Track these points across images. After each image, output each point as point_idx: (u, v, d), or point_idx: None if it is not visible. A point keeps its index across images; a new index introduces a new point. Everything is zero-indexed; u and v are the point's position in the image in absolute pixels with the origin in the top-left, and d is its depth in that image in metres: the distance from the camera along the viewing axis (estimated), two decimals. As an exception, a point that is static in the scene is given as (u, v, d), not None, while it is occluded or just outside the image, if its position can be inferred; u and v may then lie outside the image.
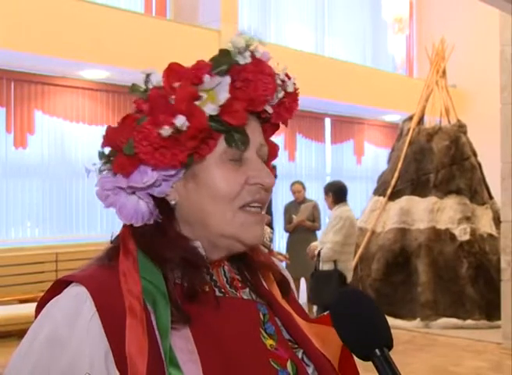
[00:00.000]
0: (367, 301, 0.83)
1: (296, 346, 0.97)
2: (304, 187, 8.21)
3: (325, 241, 5.91)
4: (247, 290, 0.98)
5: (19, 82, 7.87)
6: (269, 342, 0.94)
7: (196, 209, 0.93)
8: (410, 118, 8.73)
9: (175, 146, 0.87)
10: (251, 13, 10.95)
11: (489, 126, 10.55)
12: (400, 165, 8.33)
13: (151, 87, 0.91)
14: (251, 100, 0.91)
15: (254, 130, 0.95)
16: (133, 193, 0.92)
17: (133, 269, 0.90)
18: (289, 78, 0.97)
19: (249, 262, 1.01)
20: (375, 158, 12.86)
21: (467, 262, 7.63)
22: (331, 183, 6.30)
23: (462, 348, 6.62)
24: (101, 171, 0.92)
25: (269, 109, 0.95)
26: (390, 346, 0.80)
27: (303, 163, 11.52)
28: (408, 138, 8.44)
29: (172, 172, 0.90)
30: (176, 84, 0.89)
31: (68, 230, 8.47)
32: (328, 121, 12.14)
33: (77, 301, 0.86)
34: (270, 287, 1.02)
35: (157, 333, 0.85)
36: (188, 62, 0.92)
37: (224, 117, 0.90)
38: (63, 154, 8.32)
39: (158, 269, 0.90)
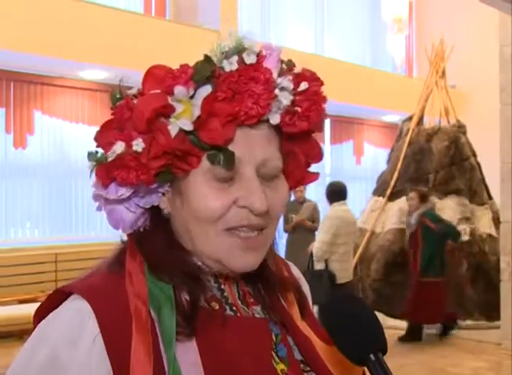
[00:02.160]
0: (360, 306, 0.82)
1: (308, 369, 0.91)
2: (304, 187, 8.23)
3: (316, 241, 5.95)
4: (259, 307, 0.92)
5: (18, 82, 7.87)
6: (280, 367, 0.88)
7: (183, 225, 0.86)
8: (410, 118, 8.72)
9: (136, 166, 0.79)
10: (251, 14, 10.95)
11: (489, 127, 10.55)
12: (399, 165, 8.32)
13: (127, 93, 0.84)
14: (236, 114, 0.80)
15: (254, 143, 0.83)
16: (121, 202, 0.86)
17: (139, 270, 0.84)
18: (296, 86, 0.84)
19: (267, 277, 0.94)
20: (375, 158, 12.85)
21: (466, 263, 7.63)
22: (328, 183, 6.30)
23: (462, 349, 6.62)
24: (91, 172, 0.85)
25: (274, 120, 0.83)
26: (384, 351, 0.79)
27: (302, 164, 11.49)
28: (408, 138, 8.44)
29: (153, 186, 0.83)
30: (153, 92, 0.80)
31: (67, 230, 8.47)
32: (327, 121, 12.13)
33: (79, 319, 0.79)
34: (289, 307, 0.95)
35: (160, 342, 0.80)
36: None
37: (201, 134, 0.80)
38: (63, 154, 8.32)
39: (164, 279, 0.85)
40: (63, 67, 7.74)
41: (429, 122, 8.80)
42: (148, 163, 0.79)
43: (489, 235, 7.90)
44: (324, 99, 0.87)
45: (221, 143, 0.80)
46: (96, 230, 8.59)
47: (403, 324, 7.22)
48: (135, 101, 0.81)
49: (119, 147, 0.80)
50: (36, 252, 7.77)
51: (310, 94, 0.85)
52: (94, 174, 0.85)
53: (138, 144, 0.79)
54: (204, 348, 0.82)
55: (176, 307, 0.82)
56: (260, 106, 0.80)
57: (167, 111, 0.79)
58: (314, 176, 0.95)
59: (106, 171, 0.82)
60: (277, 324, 0.92)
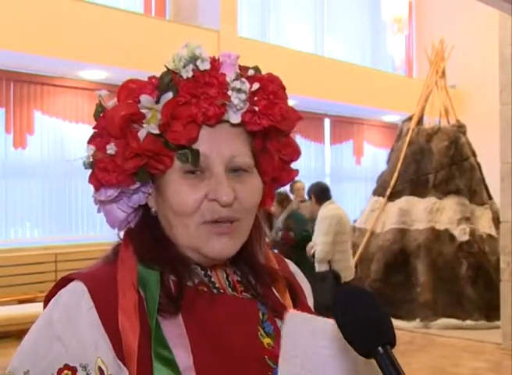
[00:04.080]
0: (369, 298, 0.82)
1: None
2: (303, 187, 8.25)
3: (316, 243, 5.89)
4: (249, 294, 0.98)
5: (18, 82, 7.87)
6: (267, 341, 0.94)
7: (166, 221, 0.95)
8: (410, 118, 8.73)
9: (114, 168, 0.90)
10: (251, 14, 10.95)
11: (489, 127, 10.55)
12: (399, 165, 8.33)
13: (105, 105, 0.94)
14: (194, 116, 0.88)
15: (220, 141, 0.91)
16: (112, 202, 0.97)
17: (131, 258, 0.94)
18: (251, 86, 0.91)
19: (257, 268, 1.01)
20: (375, 158, 12.86)
21: (466, 263, 7.63)
22: (311, 185, 6.25)
23: (461, 349, 6.62)
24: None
25: (235, 119, 0.91)
26: (393, 344, 0.79)
27: (302, 164, 11.50)
28: (407, 139, 8.45)
29: (135, 186, 0.93)
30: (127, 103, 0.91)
31: (67, 230, 8.47)
32: (327, 121, 12.14)
33: (76, 295, 0.90)
34: (282, 296, 1.01)
35: (147, 314, 0.88)
36: None
37: (167, 136, 0.89)
38: (62, 154, 8.31)
39: (153, 267, 0.94)
40: (63, 67, 7.74)
41: (429, 122, 8.80)
42: (123, 164, 0.90)
43: (489, 235, 7.90)
44: (283, 98, 0.94)
45: (184, 142, 0.89)
46: (96, 230, 8.58)
47: (403, 324, 7.23)
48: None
49: (90, 150, 0.93)
50: (36, 252, 7.77)
51: (267, 93, 0.92)
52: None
53: (111, 148, 0.90)
54: (190, 322, 0.89)
55: (163, 288, 0.91)
56: (216, 107, 0.88)
57: (137, 117, 0.90)
58: (293, 173, 1.02)
59: (95, 176, 0.94)
60: (265, 305, 0.98)
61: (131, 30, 7.80)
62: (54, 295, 0.93)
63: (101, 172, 0.91)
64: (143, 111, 0.89)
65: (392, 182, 8.31)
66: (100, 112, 0.94)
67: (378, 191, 8.60)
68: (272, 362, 0.92)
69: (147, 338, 0.85)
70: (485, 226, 8.00)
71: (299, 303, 1.03)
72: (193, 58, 0.90)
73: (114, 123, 0.89)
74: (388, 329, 0.80)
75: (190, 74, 0.89)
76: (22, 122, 7.92)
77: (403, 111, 10.44)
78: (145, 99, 0.89)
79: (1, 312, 6.60)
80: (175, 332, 0.88)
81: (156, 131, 0.89)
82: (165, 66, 0.91)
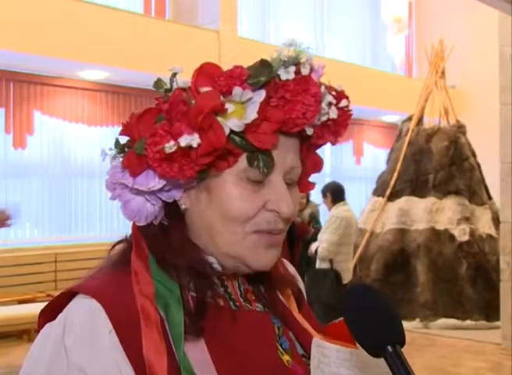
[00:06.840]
0: (378, 297, 0.81)
1: (309, 363, 0.92)
2: (309, 190, 8.30)
3: (321, 240, 5.92)
4: (261, 304, 0.94)
5: (18, 82, 7.86)
6: (286, 358, 0.90)
7: (205, 223, 0.86)
8: (410, 118, 8.72)
9: (184, 161, 0.80)
10: (251, 14, 10.95)
11: (488, 127, 10.55)
12: (399, 165, 8.32)
13: (176, 86, 0.83)
14: (285, 122, 0.82)
15: (286, 150, 0.86)
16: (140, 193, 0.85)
17: (144, 269, 0.85)
18: (338, 102, 0.87)
19: (265, 275, 0.95)
20: (375, 158, 12.85)
21: (466, 263, 7.63)
22: (328, 184, 6.39)
23: (461, 349, 6.62)
24: (114, 158, 0.86)
25: (309, 131, 0.86)
26: (403, 343, 0.79)
27: (302, 164, 11.50)
28: (407, 139, 8.44)
29: (182, 181, 0.83)
30: (203, 89, 0.80)
31: (67, 230, 8.46)
32: (327, 121, 12.13)
33: (90, 316, 0.80)
34: (287, 301, 0.99)
35: (170, 339, 0.80)
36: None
37: (249, 137, 0.81)
38: (62, 154, 8.31)
39: (171, 274, 0.85)
40: (63, 67, 7.74)
41: (429, 122, 8.80)
42: (197, 159, 0.80)
43: (489, 235, 7.90)
44: (350, 116, 0.90)
45: (268, 147, 0.82)
46: (96, 230, 8.58)
47: (403, 324, 7.23)
48: (185, 95, 0.81)
49: (185, 139, 0.78)
50: (35, 252, 7.76)
51: (343, 110, 0.89)
52: (109, 162, 0.86)
53: (194, 140, 0.78)
54: (213, 342, 0.82)
55: (183, 306, 0.82)
56: (307, 117, 0.82)
57: (221, 109, 0.80)
58: (312, 185, 0.99)
59: (139, 160, 0.81)
60: (277, 318, 0.94)
61: (131, 30, 7.80)
62: (54, 309, 0.84)
63: (162, 161, 0.79)
64: (226, 103, 0.80)
65: (392, 182, 8.30)
66: (168, 91, 0.83)
67: (378, 191, 8.59)
68: None
69: (173, 366, 0.78)
70: (484, 226, 8.00)
71: (302, 306, 1.02)
72: (297, 61, 0.83)
73: (202, 112, 0.78)
74: (397, 328, 0.80)
75: (291, 76, 0.81)
76: (22, 122, 7.91)
77: (403, 111, 10.43)
78: (238, 92, 0.79)
79: (1, 312, 6.59)
80: (198, 356, 0.80)
81: (240, 129, 0.80)
82: (263, 60, 0.82)
